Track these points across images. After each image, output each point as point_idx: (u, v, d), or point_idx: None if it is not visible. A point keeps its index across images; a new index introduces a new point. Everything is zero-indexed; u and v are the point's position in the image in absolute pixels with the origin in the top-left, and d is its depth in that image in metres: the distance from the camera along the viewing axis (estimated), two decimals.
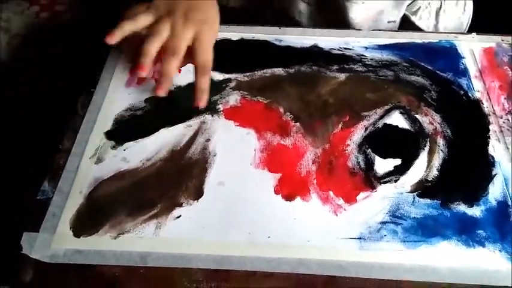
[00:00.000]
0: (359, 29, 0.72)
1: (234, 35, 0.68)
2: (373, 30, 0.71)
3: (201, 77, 0.56)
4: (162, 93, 0.56)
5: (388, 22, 0.78)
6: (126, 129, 0.56)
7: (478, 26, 0.80)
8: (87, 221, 0.48)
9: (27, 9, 0.86)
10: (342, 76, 0.63)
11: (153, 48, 0.55)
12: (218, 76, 0.63)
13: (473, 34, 0.68)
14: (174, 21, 0.56)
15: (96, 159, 0.53)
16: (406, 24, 0.80)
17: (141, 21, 0.57)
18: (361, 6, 0.75)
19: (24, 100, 0.77)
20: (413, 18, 0.80)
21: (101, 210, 0.49)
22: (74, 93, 0.60)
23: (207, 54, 0.57)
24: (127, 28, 0.56)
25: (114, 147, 0.55)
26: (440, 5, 0.79)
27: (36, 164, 0.52)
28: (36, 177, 0.51)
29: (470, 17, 0.83)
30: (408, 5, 0.78)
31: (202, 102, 0.57)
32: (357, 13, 0.75)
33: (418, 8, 0.79)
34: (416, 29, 0.79)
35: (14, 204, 0.51)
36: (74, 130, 0.56)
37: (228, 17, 0.75)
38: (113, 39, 0.56)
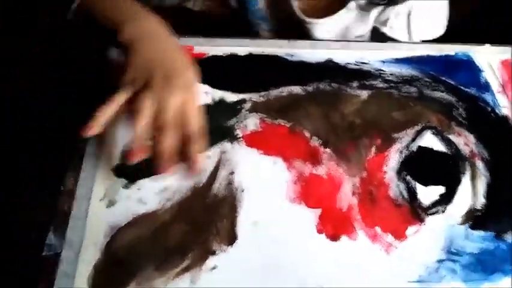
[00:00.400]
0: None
1: (241, 49, 0.62)
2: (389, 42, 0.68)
3: (198, 144, 0.48)
4: (168, 174, 0.48)
5: (356, 37, 0.73)
6: (137, 164, 0.47)
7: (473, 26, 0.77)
8: (109, 280, 0.41)
9: None
10: (364, 94, 0.58)
11: (141, 130, 0.46)
12: (231, 97, 0.57)
13: (487, 45, 0.66)
14: (158, 91, 0.47)
15: (108, 201, 0.46)
16: (378, 35, 0.74)
17: (118, 103, 0.47)
18: (322, 26, 0.70)
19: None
20: (384, 29, 0.74)
21: (122, 265, 0.42)
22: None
23: (199, 122, 0.49)
24: (103, 116, 0.46)
25: (126, 187, 0.47)
26: (410, 11, 0.73)
27: (38, 210, 0.44)
28: (39, 229, 0.43)
29: (447, 16, 0.77)
30: (377, 16, 0.73)
31: (198, 171, 0.49)
32: (321, 33, 0.70)
33: (387, 19, 0.73)
34: (389, 39, 0.74)
35: (17, 264, 0.43)
36: (77, 165, 0.48)
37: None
38: (92, 131, 0.45)
